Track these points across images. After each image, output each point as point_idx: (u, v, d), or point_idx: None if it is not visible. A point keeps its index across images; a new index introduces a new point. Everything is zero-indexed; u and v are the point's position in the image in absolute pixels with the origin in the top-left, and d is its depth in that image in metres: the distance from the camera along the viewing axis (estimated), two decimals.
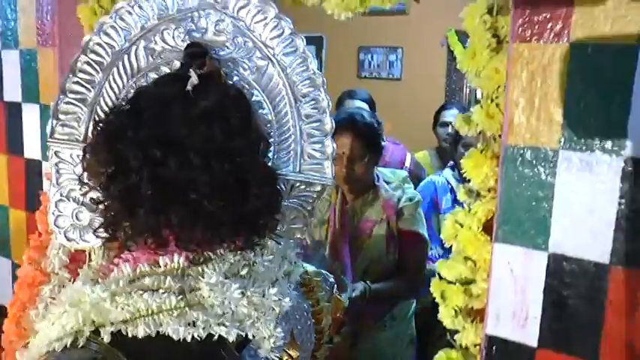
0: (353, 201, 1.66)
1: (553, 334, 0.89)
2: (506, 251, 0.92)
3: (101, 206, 0.73)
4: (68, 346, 0.70)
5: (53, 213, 0.81)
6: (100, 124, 0.74)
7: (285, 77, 0.80)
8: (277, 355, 0.79)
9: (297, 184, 0.82)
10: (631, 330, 0.83)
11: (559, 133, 0.85)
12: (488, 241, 0.98)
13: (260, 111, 0.79)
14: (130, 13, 0.79)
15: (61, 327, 0.71)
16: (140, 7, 0.79)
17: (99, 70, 0.79)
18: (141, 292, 0.71)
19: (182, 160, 0.69)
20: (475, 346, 1.03)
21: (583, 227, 0.85)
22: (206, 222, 0.71)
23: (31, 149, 1.61)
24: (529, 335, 0.91)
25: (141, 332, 0.70)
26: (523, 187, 0.89)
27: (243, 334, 0.74)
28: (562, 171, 0.85)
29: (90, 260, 0.83)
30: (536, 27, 0.85)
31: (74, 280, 0.81)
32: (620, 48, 0.79)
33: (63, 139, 0.81)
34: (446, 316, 1.05)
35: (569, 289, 0.87)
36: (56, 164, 0.81)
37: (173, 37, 0.79)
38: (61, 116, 0.80)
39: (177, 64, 0.78)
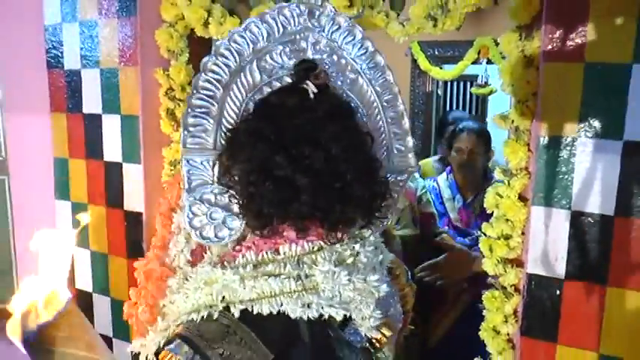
0: None
1: (575, 268, 1.26)
2: (541, 212, 1.28)
3: (246, 201, 0.83)
4: (205, 317, 0.81)
5: (188, 215, 0.88)
6: (235, 132, 0.85)
7: (372, 87, 0.91)
8: (374, 333, 0.89)
9: (389, 175, 0.93)
10: (631, 261, 1.21)
11: (577, 126, 1.21)
12: (523, 207, 1.34)
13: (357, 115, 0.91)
14: (242, 37, 0.88)
15: (195, 301, 0.84)
16: (251, 32, 0.88)
17: (219, 86, 0.87)
18: (266, 276, 0.83)
19: (325, 154, 0.80)
20: (511, 286, 1.40)
21: (595, 191, 1.22)
22: (348, 205, 0.83)
23: (112, 153, 1.86)
24: (558, 270, 1.28)
25: (265, 310, 0.81)
26: (552, 165, 1.25)
27: (347, 315, 0.85)
28: (579, 153, 1.22)
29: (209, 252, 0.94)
30: (560, 52, 1.21)
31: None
32: (619, 66, 1.16)
33: (194, 148, 0.87)
34: (489, 266, 1.41)
35: (586, 235, 1.24)
36: (188, 171, 0.88)
37: (280, 56, 0.88)
38: (190, 128, 0.87)
39: (286, 79, 0.88)
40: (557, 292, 1.28)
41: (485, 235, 1.40)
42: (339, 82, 0.89)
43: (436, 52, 4.35)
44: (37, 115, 2.03)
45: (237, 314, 0.81)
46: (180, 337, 0.81)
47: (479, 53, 4.16)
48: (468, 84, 5.25)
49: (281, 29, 0.88)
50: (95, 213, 1.94)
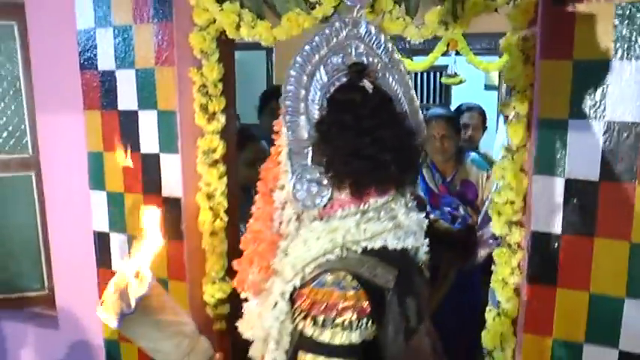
0: None
1: (569, 224, 1.56)
2: (541, 180, 1.57)
3: (342, 176, 1.09)
4: (338, 257, 1.06)
5: (293, 191, 1.11)
6: (324, 125, 1.09)
7: (395, 78, 1.15)
8: (425, 257, 1.18)
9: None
10: (613, 216, 1.52)
11: (568, 110, 1.51)
12: (524, 177, 1.63)
13: None
14: (310, 47, 1.11)
15: (319, 248, 1.07)
16: (315, 42, 1.11)
17: (301, 88, 1.11)
18: (372, 220, 1.09)
19: (394, 133, 1.08)
20: (515, 243, 1.69)
21: (583, 161, 1.52)
22: (413, 170, 1.18)
23: (148, 145, 2.05)
24: (556, 227, 1.58)
25: (376, 245, 1.07)
26: (549, 141, 1.54)
27: (414, 244, 1.14)
28: (570, 131, 1.52)
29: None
30: (553, 51, 1.50)
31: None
32: (601, 63, 1.46)
33: (293, 140, 1.11)
34: (498, 227, 1.70)
35: (578, 197, 1.54)
36: (290, 157, 1.12)
37: (337, 60, 1.12)
38: (288, 124, 1.11)
39: (343, 78, 1.11)
40: (556, 245, 1.58)
41: (493, 201, 1.69)
42: (378, 78, 1.13)
43: (407, 45, 4.65)
44: (69, 113, 2.20)
45: (359, 251, 1.07)
46: (324, 272, 1.04)
47: (448, 45, 4.50)
48: (432, 74, 5.60)
49: (334, 38, 1.12)
50: (132, 200, 2.13)
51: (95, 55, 2.07)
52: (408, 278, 1.11)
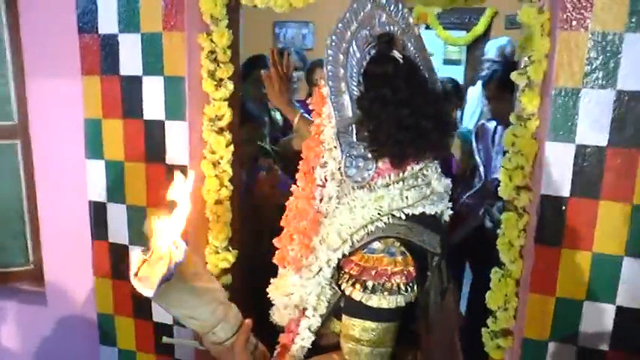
0: None
1: (577, 187, 1.67)
2: (552, 146, 1.67)
3: (389, 146, 1.12)
4: (386, 224, 1.10)
5: (344, 168, 1.14)
6: (366, 101, 1.11)
7: (413, 44, 1.18)
8: (448, 218, 1.22)
9: None
10: (618, 180, 1.63)
11: (581, 79, 1.61)
12: (535, 143, 1.72)
13: None
14: (342, 24, 1.14)
15: (365, 215, 1.11)
16: (347, 19, 1.14)
17: (340, 67, 1.13)
18: (412, 188, 1.14)
19: (430, 100, 1.14)
20: (522, 207, 1.79)
21: (593, 128, 1.63)
22: (448, 136, 1.21)
23: (153, 112, 2.01)
24: (565, 190, 1.68)
25: (417, 211, 1.13)
26: (562, 109, 1.64)
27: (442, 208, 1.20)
28: (582, 99, 1.62)
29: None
30: (570, 23, 1.59)
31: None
32: (615, 35, 1.56)
33: (339, 120, 1.13)
34: (506, 192, 1.79)
35: (587, 161, 1.65)
36: (338, 137, 1.14)
37: (364, 33, 1.14)
38: (334, 105, 1.13)
39: (372, 51, 1.14)
40: (563, 207, 1.69)
41: (504, 168, 1.78)
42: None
43: None
44: (64, 78, 2.12)
45: (403, 217, 1.11)
46: (375, 240, 1.09)
47: (417, 19, 4.61)
48: None
49: (362, 12, 1.14)
50: (132, 168, 2.08)
51: (95, 19, 2.00)
52: (446, 242, 1.18)
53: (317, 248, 1.17)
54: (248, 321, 1.18)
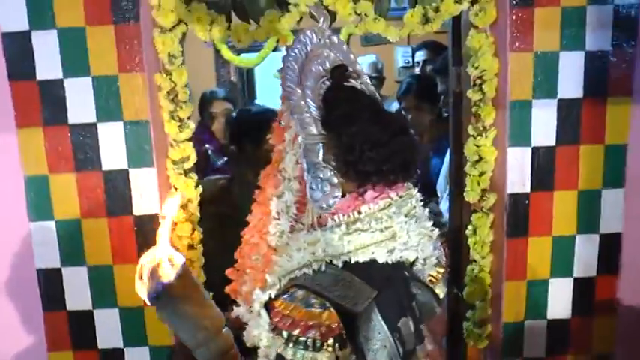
0: None
1: (535, 183, 1.94)
2: (513, 151, 1.92)
3: (354, 166, 1.06)
4: (315, 270, 1.04)
5: (310, 191, 1.08)
6: (333, 119, 1.08)
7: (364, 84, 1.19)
8: (433, 271, 1.16)
9: None
10: (566, 172, 1.94)
11: (530, 92, 1.89)
12: (494, 151, 1.96)
13: None
14: (294, 53, 1.12)
15: (300, 259, 1.06)
16: (297, 49, 1.12)
17: (297, 89, 1.09)
18: (358, 232, 1.06)
19: (398, 121, 1.15)
20: (488, 208, 2.02)
21: (543, 132, 1.91)
22: (410, 166, 1.13)
23: (113, 162, 1.84)
24: (526, 187, 1.94)
25: (361, 259, 1.05)
26: (518, 118, 1.89)
27: (415, 256, 1.12)
28: (534, 108, 1.89)
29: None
30: (519, 45, 1.85)
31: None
32: (552, 53, 1.86)
33: (305, 136, 1.08)
34: (473, 196, 2.00)
35: (542, 160, 1.93)
36: (305, 155, 1.08)
37: (315, 66, 1.11)
38: (299, 121, 1.08)
39: (327, 82, 1.12)
40: (526, 201, 1.95)
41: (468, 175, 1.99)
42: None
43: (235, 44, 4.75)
44: None
45: (340, 264, 1.05)
46: (295, 287, 1.04)
47: (278, 41, 4.72)
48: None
49: (310, 45, 1.13)
50: (92, 226, 1.88)
51: (32, 63, 1.78)
52: (404, 299, 1.08)
53: (256, 290, 1.14)
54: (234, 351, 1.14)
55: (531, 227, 1.97)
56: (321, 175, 1.06)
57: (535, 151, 1.93)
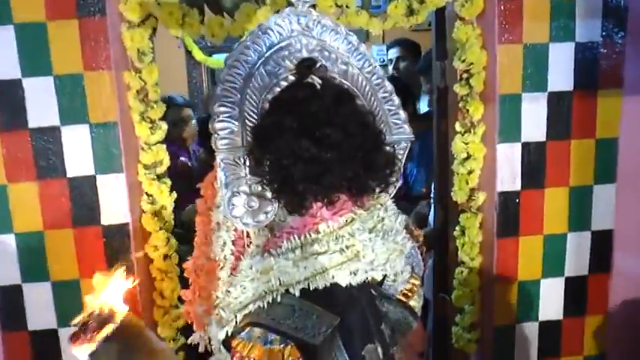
0: None
1: (526, 180, 1.87)
2: (503, 147, 1.84)
3: (281, 184, 0.94)
4: (270, 302, 0.93)
5: (229, 207, 0.97)
6: (260, 128, 0.96)
7: (362, 74, 1.04)
8: (407, 285, 1.09)
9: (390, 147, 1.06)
10: (557, 168, 1.87)
11: (520, 85, 1.81)
12: (483, 147, 1.88)
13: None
14: (247, 47, 0.98)
15: (254, 290, 0.95)
16: (254, 43, 0.98)
17: (236, 93, 0.97)
18: (314, 255, 0.96)
19: (343, 131, 0.93)
20: (477, 207, 1.94)
21: (535, 127, 1.84)
22: (370, 172, 0.99)
23: (79, 168, 1.70)
24: (517, 185, 1.87)
25: (320, 284, 0.94)
26: (508, 113, 1.82)
27: (384, 274, 1.03)
28: (524, 102, 1.83)
29: (250, 241, 1.05)
30: (508, 36, 1.78)
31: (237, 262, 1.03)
32: (542, 45, 1.79)
33: (225, 149, 0.97)
34: (461, 195, 1.92)
35: (532, 156, 1.86)
36: (223, 168, 0.97)
37: (282, 60, 0.98)
38: (219, 132, 0.96)
39: (290, 77, 0.98)
40: (517, 200, 1.88)
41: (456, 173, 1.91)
42: (335, 74, 1.02)
43: (208, 44, 4.60)
44: None
45: (297, 293, 0.94)
46: (251, 324, 0.93)
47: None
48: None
49: (278, 36, 0.99)
50: (56, 238, 1.73)
51: None
52: (369, 323, 1.00)
53: (212, 324, 1.05)
54: None
55: (522, 226, 1.91)
56: (246, 190, 0.97)
57: (525, 146, 1.86)
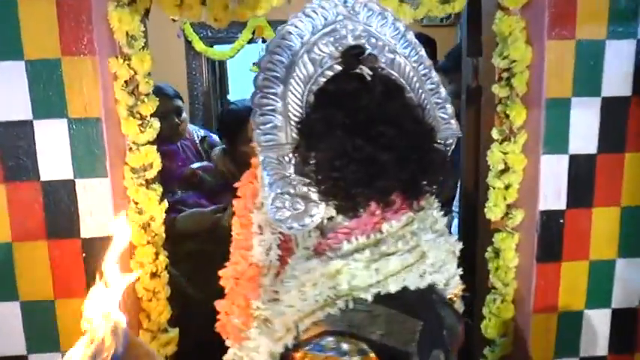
0: None
1: (572, 198, 1.62)
2: (547, 159, 1.59)
3: (332, 186, 0.87)
4: (343, 309, 0.85)
5: (272, 210, 0.90)
6: (308, 124, 0.88)
7: (409, 63, 0.95)
8: (456, 290, 0.99)
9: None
10: (608, 185, 1.62)
11: (571, 89, 1.56)
12: (524, 158, 1.63)
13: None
14: (290, 32, 0.90)
15: (317, 296, 0.86)
16: (297, 27, 0.90)
17: (278, 83, 0.89)
18: (386, 257, 0.88)
19: (397, 129, 0.86)
20: (513, 228, 1.69)
21: (583, 137, 1.59)
22: (427, 174, 0.92)
23: (54, 170, 1.45)
24: (561, 203, 1.62)
25: (393, 289, 0.86)
26: (555, 119, 1.57)
27: (445, 276, 0.94)
28: (573, 108, 1.57)
29: (297, 245, 0.98)
30: (559, 31, 1.53)
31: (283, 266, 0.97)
32: (597, 42, 1.54)
33: (268, 146, 0.89)
34: (496, 212, 1.67)
35: (579, 170, 1.61)
36: (265, 168, 0.90)
37: (327, 46, 0.90)
38: (261, 127, 0.89)
39: (336, 67, 0.90)
40: (561, 220, 1.63)
41: (492, 188, 1.66)
42: (382, 63, 0.93)
43: (209, 33, 4.37)
44: None
45: (370, 299, 0.85)
46: (326, 333, 0.82)
47: (253, 33, 4.34)
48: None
49: (322, 20, 0.91)
50: (27, 252, 1.48)
51: None
52: (437, 327, 0.93)
53: (259, 329, 0.93)
54: None
55: (565, 250, 1.65)
56: (292, 191, 0.90)
57: (573, 159, 1.61)
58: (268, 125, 0.88)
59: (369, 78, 0.88)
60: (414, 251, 0.89)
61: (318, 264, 0.89)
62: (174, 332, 1.68)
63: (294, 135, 0.88)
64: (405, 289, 0.86)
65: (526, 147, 1.62)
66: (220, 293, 1.08)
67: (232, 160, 2.22)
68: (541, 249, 1.64)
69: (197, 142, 2.60)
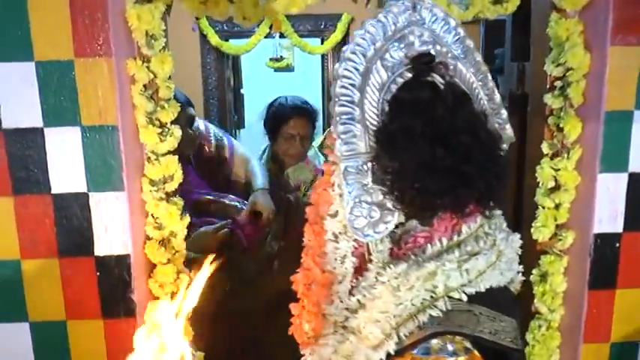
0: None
1: (630, 221, 1.48)
2: (604, 178, 1.45)
3: (414, 196, 0.88)
4: (444, 311, 0.86)
5: (350, 218, 0.92)
6: (388, 133, 0.88)
7: (469, 70, 0.94)
8: (519, 287, 1.01)
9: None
10: None
11: (634, 101, 1.42)
12: (577, 176, 1.49)
13: None
14: (363, 39, 0.90)
15: (414, 299, 0.88)
16: (369, 32, 0.90)
17: (355, 91, 0.89)
18: (474, 256, 0.90)
19: (474, 139, 0.87)
20: (560, 251, 1.55)
21: None
22: (500, 182, 0.92)
23: (67, 182, 1.33)
24: (618, 226, 1.48)
25: (481, 287, 0.89)
26: (614, 134, 1.43)
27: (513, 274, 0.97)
28: (635, 123, 1.43)
29: (369, 251, 0.97)
30: (623, 37, 1.38)
31: (359, 274, 0.97)
32: None
33: (349, 155, 0.90)
34: (545, 233, 1.53)
35: (638, 191, 1.47)
36: (345, 177, 0.91)
37: (397, 52, 0.90)
38: (342, 136, 0.89)
39: (406, 73, 0.89)
40: (617, 244, 1.49)
41: (542, 207, 1.52)
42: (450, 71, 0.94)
43: (225, 27, 4.26)
44: None
45: (464, 297, 0.88)
46: (429, 336, 0.86)
47: (270, 27, 4.21)
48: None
49: (392, 26, 0.91)
50: (36, 270, 1.37)
51: None
52: (520, 325, 0.95)
53: (347, 346, 0.94)
54: None
55: (621, 276, 1.52)
56: (368, 199, 0.91)
57: (633, 178, 1.46)
58: (349, 134, 0.89)
59: (442, 87, 0.88)
60: (494, 250, 0.92)
61: (408, 268, 0.90)
62: (199, 355, 1.57)
63: (372, 144, 0.89)
64: (491, 287, 0.90)
65: (580, 164, 1.48)
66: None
67: (273, 156, 2.24)
68: (594, 275, 1.51)
69: (212, 142, 2.37)
